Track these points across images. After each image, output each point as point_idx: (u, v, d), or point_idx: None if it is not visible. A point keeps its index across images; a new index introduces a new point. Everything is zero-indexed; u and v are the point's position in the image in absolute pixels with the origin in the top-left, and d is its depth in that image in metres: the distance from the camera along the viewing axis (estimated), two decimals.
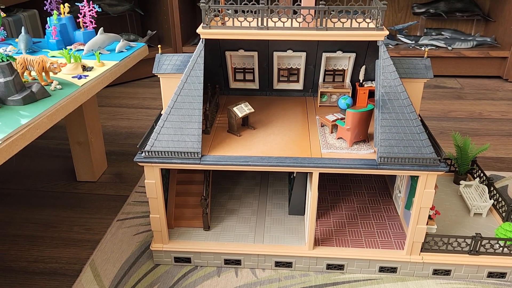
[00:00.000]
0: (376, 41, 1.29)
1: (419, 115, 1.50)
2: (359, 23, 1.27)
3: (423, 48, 3.33)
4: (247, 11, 1.28)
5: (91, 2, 1.78)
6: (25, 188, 2.01)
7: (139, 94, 3.11)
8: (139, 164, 1.34)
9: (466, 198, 1.71)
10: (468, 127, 2.59)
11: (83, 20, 1.80)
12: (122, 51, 1.75)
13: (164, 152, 1.33)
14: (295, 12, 1.30)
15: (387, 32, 1.27)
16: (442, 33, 3.50)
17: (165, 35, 3.37)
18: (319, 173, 1.34)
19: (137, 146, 1.34)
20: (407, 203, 1.51)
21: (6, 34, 1.83)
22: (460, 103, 2.94)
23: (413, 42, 3.43)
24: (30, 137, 1.13)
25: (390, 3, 3.62)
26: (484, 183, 1.73)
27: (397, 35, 3.54)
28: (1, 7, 1.75)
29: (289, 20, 1.28)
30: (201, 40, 1.31)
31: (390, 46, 3.41)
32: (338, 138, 1.42)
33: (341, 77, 1.69)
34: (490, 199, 1.65)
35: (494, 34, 3.41)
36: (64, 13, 1.81)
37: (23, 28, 1.71)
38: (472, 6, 3.48)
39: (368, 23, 1.28)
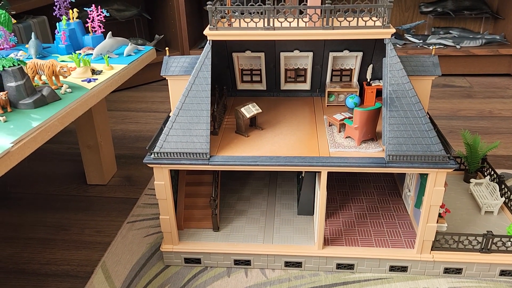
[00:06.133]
0: (383, 40, 1.29)
1: (427, 113, 1.49)
2: (365, 21, 1.27)
3: (431, 47, 3.31)
4: (253, 12, 1.29)
5: (99, 7, 1.80)
6: (37, 192, 2.04)
7: (148, 98, 3.13)
8: (148, 165, 1.35)
9: (477, 196, 1.69)
10: (478, 125, 2.57)
11: (91, 25, 1.82)
12: (130, 55, 1.77)
13: (173, 153, 1.34)
14: (301, 12, 1.30)
15: (393, 30, 1.26)
16: (450, 31, 3.48)
17: (173, 39, 3.40)
18: (328, 172, 1.34)
19: (146, 148, 1.35)
20: (417, 201, 1.50)
21: (16, 40, 1.86)
22: (470, 101, 2.92)
23: (421, 41, 3.41)
24: (42, 140, 1.15)
25: (397, 2, 3.60)
26: (495, 181, 1.71)
27: (405, 34, 3.52)
28: (12, 13, 1.78)
29: (295, 20, 1.28)
30: (208, 41, 1.32)
31: (397, 45, 3.40)
32: (346, 137, 1.42)
33: (348, 77, 1.69)
34: (501, 196, 1.64)
35: (503, 31, 3.38)
36: (73, 18, 1.83)
37: (33, 33, 1.73)
38: (480, 4, 3.45)
39: (374, 21, 1.28)
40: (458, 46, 3.29)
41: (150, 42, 3.34)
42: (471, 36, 3.36)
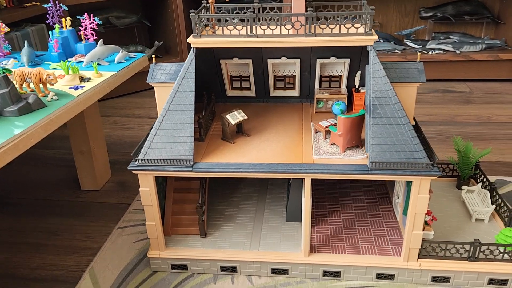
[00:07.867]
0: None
1: (415, 119, 1.48)
2: (347, 28, 1.27)
3: (430, 53, 3.30)
4: (236, 19, 1.30)
5: (91, 15, 1.82)
6: (30, 197, 2.06)
7: (146, 104, 3.15)
8: (133, 172, 1.36)
9: (468, 204, 1.67)
10: (475, 131, 2.54)
11: (84, 32, 1.85)
12: (121, 62, 1.79)
13: (157, 160, 1.34)
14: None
15: (376, 37, 1.26)
16: (451, 36, 3.46)
17: (172, 45, 3.42)
18: (317, 179, 1.34)
19: (131, 154, 1.36)
20: (405, 208, 1.49)
21: (10, 48, 1.89)
22: (468, 107, 2.89)
23: (420, 46, 3.39)
24: (24, 147, 1.16)
25: (397, 7, 3.59)
26: (487, 188, 1.70)
27: (405, 40, 3.51)
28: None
29: (278, 27, 1.28)
30: (192, 49, 1.33)
31: (396, 51, 3.39)
32: (331, 144, 1.41)
33: (337, 83, 1.69)
34: (493, 204, 1.62)
35: (504, 36, 3.36)
36: (66, 26, 1.86)
37: (26, 41, 1.76)
38: (481, 9, 3.43)
39: (357, 28, 1.27)
40: (458, 51, 3.27)
41: (150, 48, 3.37)
42: (471, 41, 3.34)
